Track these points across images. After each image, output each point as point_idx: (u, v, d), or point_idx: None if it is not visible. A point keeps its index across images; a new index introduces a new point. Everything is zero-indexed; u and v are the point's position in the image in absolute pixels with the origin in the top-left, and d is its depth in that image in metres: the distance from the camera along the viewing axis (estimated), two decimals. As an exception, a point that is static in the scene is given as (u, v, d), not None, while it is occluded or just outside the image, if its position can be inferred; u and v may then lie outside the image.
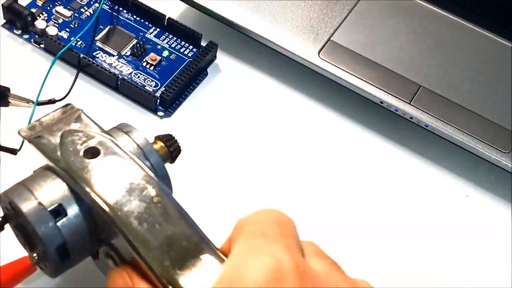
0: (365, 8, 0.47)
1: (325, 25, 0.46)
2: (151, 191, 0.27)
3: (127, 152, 0.28)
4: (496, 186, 0.44)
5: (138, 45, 0.45)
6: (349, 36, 0.46)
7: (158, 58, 0.45)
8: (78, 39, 0.45)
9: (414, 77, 0.44)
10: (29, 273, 0.30)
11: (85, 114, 0.30)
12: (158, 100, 0.43)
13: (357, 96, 0.44)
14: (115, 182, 0.27)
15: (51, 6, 0.47)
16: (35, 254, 0.28)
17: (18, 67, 0.44)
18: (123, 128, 0.30)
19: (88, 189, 0.27)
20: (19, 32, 0.45)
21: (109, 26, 0.46)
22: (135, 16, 0.47)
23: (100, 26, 0.46)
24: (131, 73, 0.44)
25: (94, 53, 0.45)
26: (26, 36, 0.45)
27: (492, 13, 0.48)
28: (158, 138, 0.31)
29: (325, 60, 0.44)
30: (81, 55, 0.44)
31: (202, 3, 0.46)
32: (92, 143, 0.28)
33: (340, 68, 0.44)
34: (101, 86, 0.44)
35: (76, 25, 0.46)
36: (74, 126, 0.29)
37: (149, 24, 0.47)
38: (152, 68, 0.45)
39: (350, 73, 0.44)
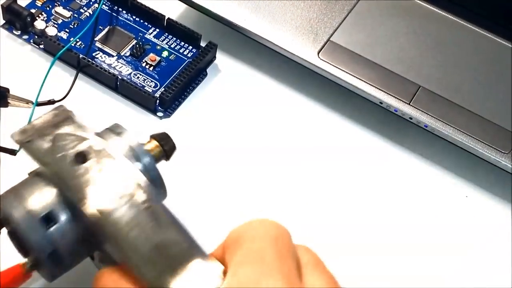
0: (365, 8, 0.47)
1: (324, 26, 0.46)
2: (141, 197, 0.27)
3: (117, 155, 0.28)
4: (496, 186, 0.44)
5: (137, 46, 0.45)
6: (349, 36, 0.45)
7: (158, 58, 0.45)
8: (78, 40, 0.45)
9: (413, 78, 0.44)
10: (25, 279, 0.30)
11: (77, 116, 0.30)
12: (158, 101, 0.43)
13: (357, 97, 0.44)
14: (104, 188, 0.27)
15: (50, 6, 0.47)
16: (28, 261, 0.28)
17: (18, 67, 0.44)
18: (114, 130, 0.30)
19: (76, 196, 0.27)
20: (19, 32, 0.45)
21: (108, 27, 0.46)
22: (134, 17, 0.47)
23: (100, 27, 0.46)
24: (130, 73, 0.44)
25: (93, 54, 0.45)
26: (25, 37, 0.45)
27: (492, 13, 0.48)
28: (153, 136, 0.31)
29: (324, 61, 0.44)
30: (81, 56, 0.43)
31: (201, 3, 0.46)
32: (82, 147, 0.28)
33: (340, 69, 0.44)
34: (101, 86, 0.44)
35: (75, 26, 0.46)
36: (65, 129, 0.29)
37: (149, 25, 0.47)
38: (151, 68, 0.45)
39: (350, 74, 0.44)
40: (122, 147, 0.29)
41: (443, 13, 0.48)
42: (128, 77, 0.44)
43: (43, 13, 0.46)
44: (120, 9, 0.47)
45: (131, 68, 0.45)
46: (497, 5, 0.48)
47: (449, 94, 0.44)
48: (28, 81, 0.41)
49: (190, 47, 0.46)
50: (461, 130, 0.42)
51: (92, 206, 0.26)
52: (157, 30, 0.47)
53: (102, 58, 0.45)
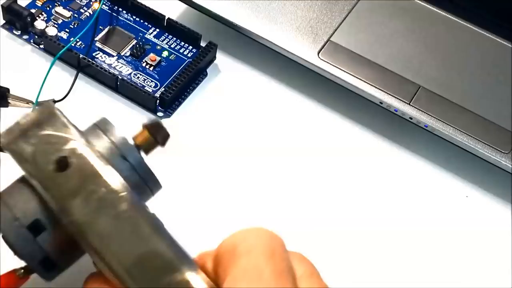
0: (365, 8, 0.47)
1: (324, 26, 0.46)
2: (121, 206, 0.26)
3: (100, 158, 0.27)
4: (496, 186, 0.44)
5: (137, 46, 0.45)
6: (349, 36, 0.45)
7: (158, 58, 0.45)
8: (78, 40, 0.45)
9: (413, 78, 0.44)
10: (21, 283, 0.30)
11: (61, 113, 0.29)
12: (158, 101, 0.43)
13: (357, 97, 0.44)
14: (84, 198, 0.26)
15: (50, 6, 0.47)
16: (21, 268, 0.28)
17: (18, 67, 0.44)
18: (100, 126, 0.29)
19: (57, 207, 0.26)
20: (19, 32, 0.45)
21: (108, 27, 0.46)
22: (134, 17, 0.47)
23: (100, 27, 0.46)
24: (130, 73, 0.44)
25: (93, 54, 0.45)
26: (25, 37, 0.45)
27: (492, 13, 0.48)
28: (145, 126, 0.30)
29: (324, 61, 0.44)
30: (81, 56, 0.44)
31: (201, 3, 0.46)
32: (64, 151, 0.27)
33: (340, 69, 0.44)
34: (101, 86, 0.44)
35: (75, 26, 0.46)
36: (48, 129, 0.28)
37: (149, 25, 0.47)
38: (151, 68, 0.45)
39: (350, 74, 0.44)
40: (106, 146, 0.28)
41: (443, 13, 0.48)
42: (128, 77, 0.44)
43: (43, 13, 0.46)
44: (120, 9, 0.47)
45: (131, 68, 0.45)
46: (497, 5, 0.48)
47: (449, 94, 0.44)
48: (28, 81, 0.42)
49: (190, 47, 0.46)
50: (461, 130, 0.42)
51: (72, 217, 0.26)
52: (157, 30, 0.47)
53: (102, 58, 0.45)
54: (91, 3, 0.47)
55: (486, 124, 0.43)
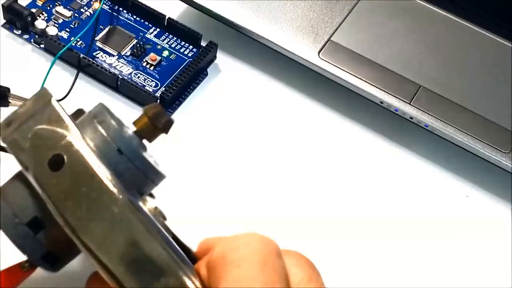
0: (365, 8, 0.47)
1: (325, 25, 0.46)
2: (113, 209, 0.25)
3: (93, 155, 0.26)
4: (496, 186, 0.44)
5: (138, 45, 0.45)
6: (349, 36, 0.46)
7: (158, 58, 0.45)
8: (78, 39, 0.45)
9: (414, 77, 0.44)
10: (26, 276, 0.30)
11: (57, 103, 0.28)
12: (158, 100, 0.43)
13: (357, 96, 0.44)
14: (77, 200, 0.26)
15: (51, 6, 0.47)
16: (25, 262, 0.28)
17: (18, 67, 0.44)
18: (96, 117, 0.28)
19: (52, 209, 0.26)
20: (19, 32, 0.45)
21: (109, 26, 0.46)
22: (135, 16, 0.47)
23: (100, 26, 0.46)
24: (131, 73, 0.44)
25: (94, 53, 0.45)
26: (26, 36, 0.45)
27: (492, 13, 0.48)
28: (145, 113, 0.28)
29: (325, 60, 0.44)
30: (81, 55, 0.44)
31: (202, 3, 0.46)
32: (57, 148, 0.26)
33: (340, 68, 0.44)
34: (101, 86, 0.44)
35: (76, 25, 0.46)
36: (44, 123, 0.27)
37: (149, 24, 0.47)
38: (152, 68, 0.45)
39: (350, 73, 0.44)
40: (101, 140, 0.27)
41: (443, 13, 0.48)
42: (129, 76, 0.44)
43: (43, 12, 0.46)
44: (120, 9, 0.47)
45: (132, 68, 0.45)
46: (497, 5, 0.48)
47: (450, 94, 0.44)
48: (29, 81, 0.42)
49: (191, 47, 0.46)
50: (461, 129, 0.42)
51: (65, 220, 0.26)
52: (158, 29, 0.47)
53: (102, 57, 0.45)
54: (92, 2, 0.47)
55: (486, 124, 0.43)
